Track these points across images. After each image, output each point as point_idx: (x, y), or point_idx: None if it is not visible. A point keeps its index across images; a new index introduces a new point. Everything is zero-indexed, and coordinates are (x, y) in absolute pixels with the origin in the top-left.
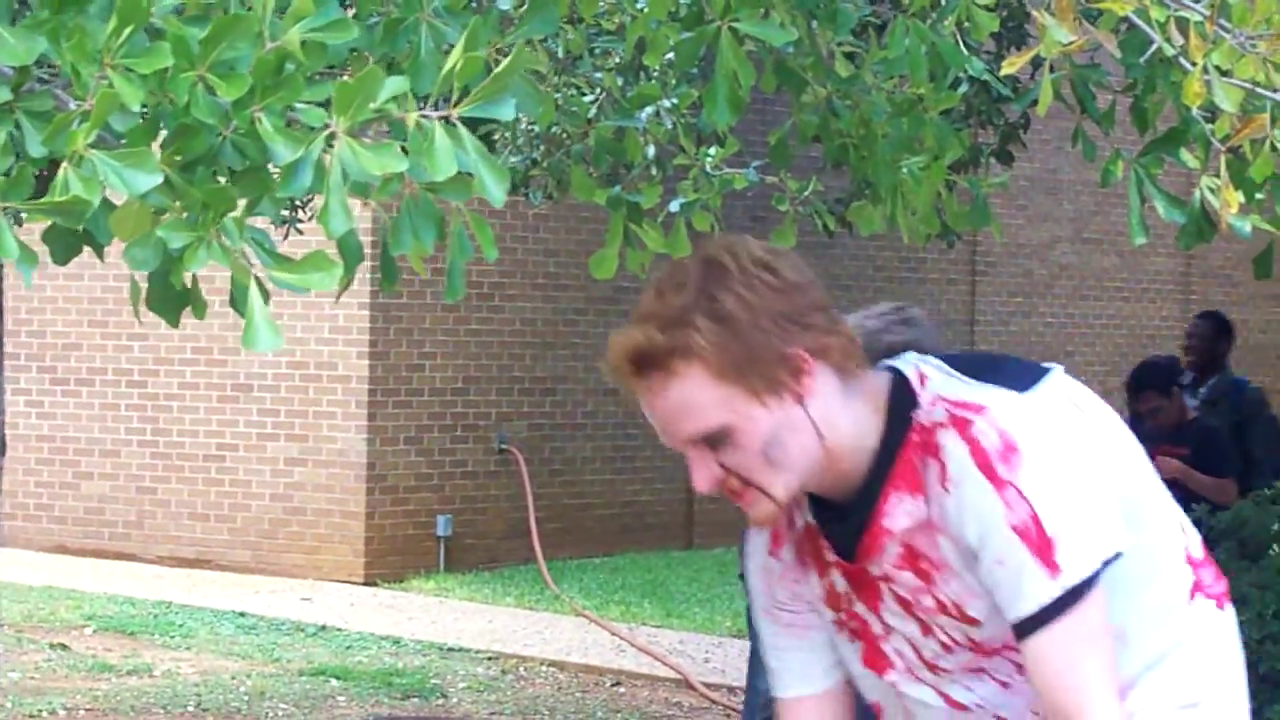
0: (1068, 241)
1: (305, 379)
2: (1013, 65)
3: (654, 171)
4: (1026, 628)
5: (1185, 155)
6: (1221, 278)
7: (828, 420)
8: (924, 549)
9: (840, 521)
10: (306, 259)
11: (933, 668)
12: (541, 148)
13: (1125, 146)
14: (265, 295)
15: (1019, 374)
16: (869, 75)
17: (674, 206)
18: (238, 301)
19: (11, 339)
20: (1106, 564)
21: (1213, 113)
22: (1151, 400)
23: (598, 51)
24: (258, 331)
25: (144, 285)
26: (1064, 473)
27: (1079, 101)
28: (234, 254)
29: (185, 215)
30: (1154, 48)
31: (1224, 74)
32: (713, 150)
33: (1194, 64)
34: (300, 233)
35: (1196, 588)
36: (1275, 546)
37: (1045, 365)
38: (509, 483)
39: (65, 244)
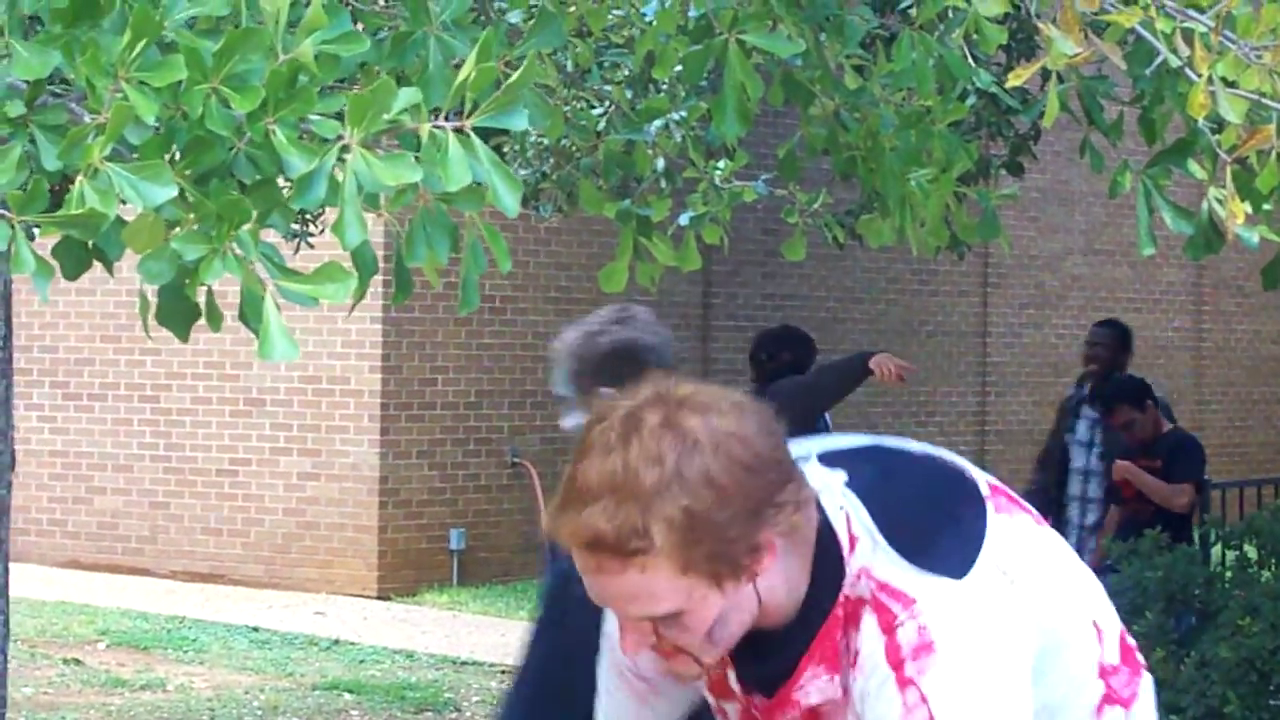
0: (1080, 253)
1: (318, 393)
2: (1020, 77)
3: (663, 184)
4: None
5: (1193, 166)
6: (1233, 288)
7: (770, 588)
8: (829, 718)
9: (755, 663)
10: (319, 270)
11: None
12: (551, 161)
13: (1133, 157)
14: (278, 307)
15: (955, 545)
16: (877, 87)
17: (684, 219)
18: (249, 313)
19: (24, 354)
20: None
21: (1219, 124)
22: (1126, 414)
23: (606, 64)
24: (273, 342)
25: (153, 300)
26: (975, 682)
27: (1086, 113)
28: (248, 266)
29: (199, 227)
30: (1160, 59)
31: (1230, 85)
32: (722, 163)
33: (1200, 75)
34: (311, 247)
35: (1105, 700)
36: None
37: (982, 518)
38: (522, 496)
39: (76, 258)
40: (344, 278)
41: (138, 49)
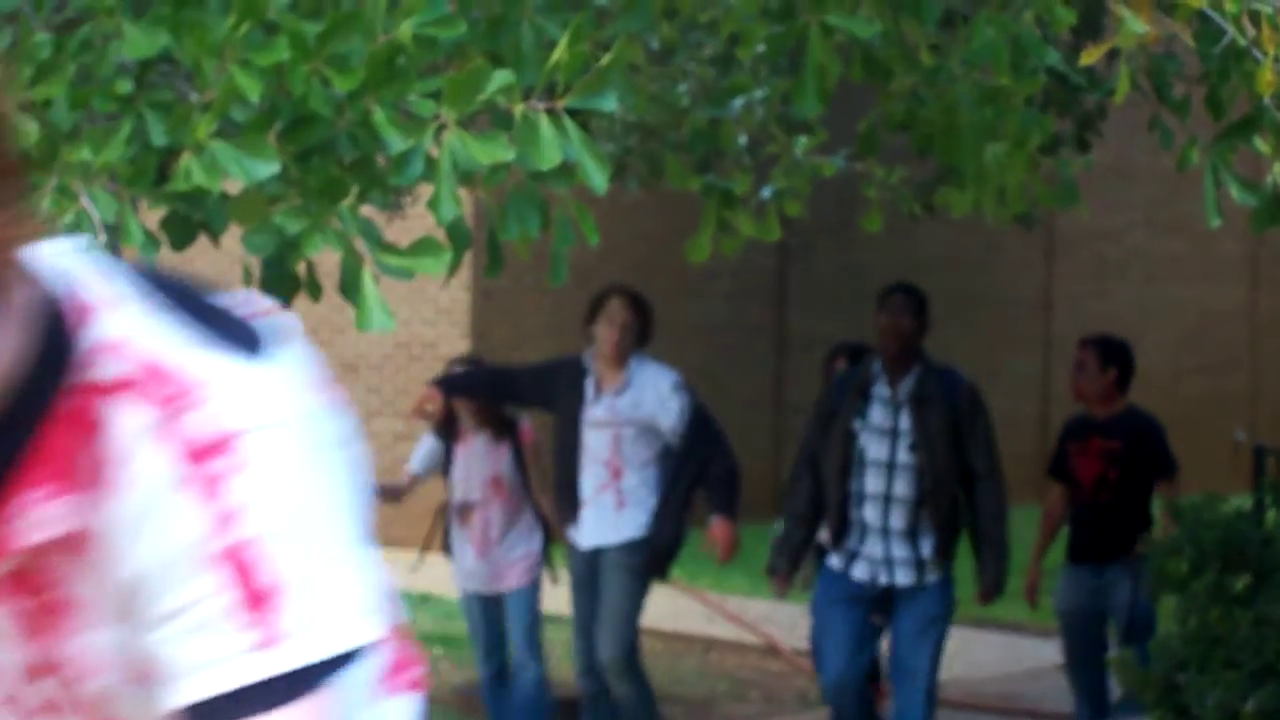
0: (1140, 226)
1: (409, 359)
2: (1092, 56)
3: (746, 159)
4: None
5: (1258, 142)
6: None
7: None
8: (52, 576)
9: None
10: (416, 244)
11: None
12: (636, 136)
13: (1199, 134)
14: (376, 280)
15: (258, 330)
16: (954, 65)
17: (765, 193)
18: (348, 286)
19: None
20: (350, 657)
21: None
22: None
23: (691, 44)
24: (371, 314)
25: (257, 271)
26: (308, 492)
27: (1156, 91)
28: (347, 240)
29: (301, 203)
30: (1227, 39)
31: None
32: (802, 139)
33: (1266, 54)
34: (405, 218)
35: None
36: None
37: (282, 320)
38: None
39: (183, 230)
40: (440, 252)
41: (243, 30)
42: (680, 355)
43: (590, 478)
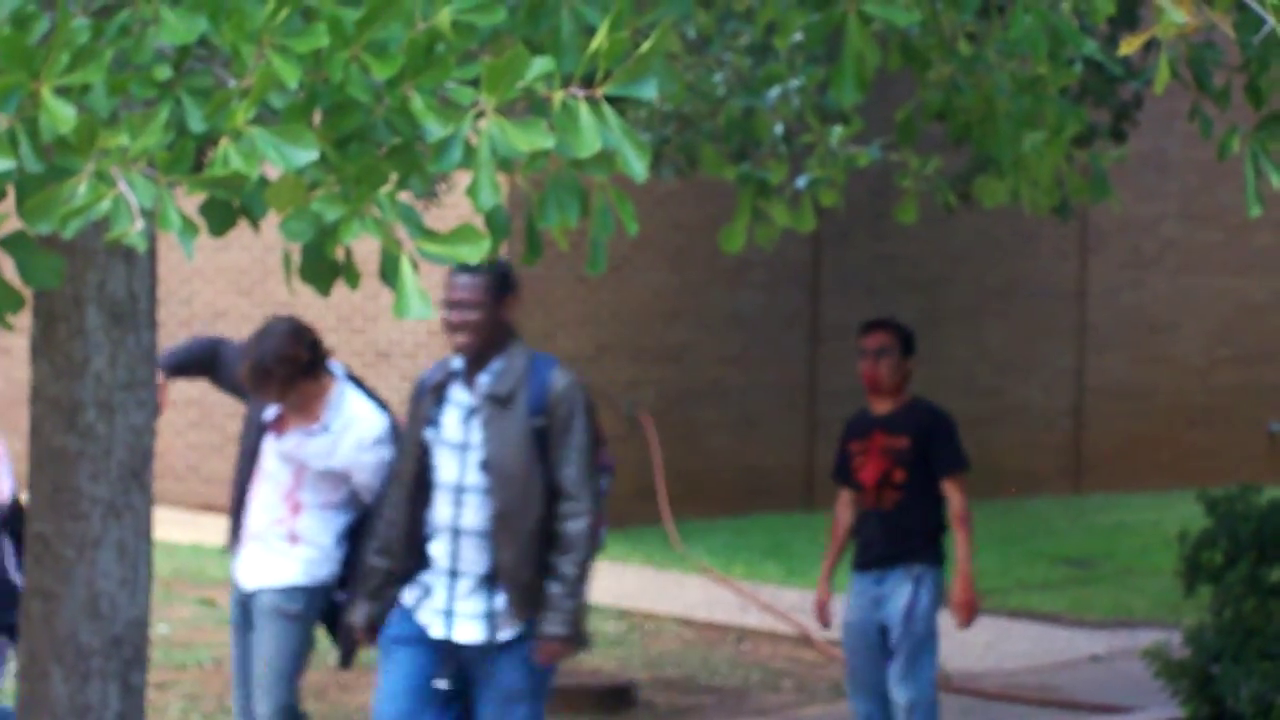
0: (1175, 217)
1: (442, 347)
2: (1131, 45)
3: (781, 149)
4: None
5: None
6: None
7: None
8: None
9: None
10: (456, 232)
11: None
12: (671, 125)
13: (1238, 123)
14: (415, 266)
15: None
16: (991, 54)
17: (800, 183)
18: (388, 273)
19: (161, 307)
20: None
21: None
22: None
23: (727, 33)
24: (409, 301)
25: (296, 257)
26: None
27: (1195, 80)
28: (386, 227)
29: (339, 189)
30: (1267, 28)
31: None
32: (838, 128)
33: None
34: (440, 205)
35: None
36: None
37: None
38: (638, 447)
39: (222, 216)
40: (479, 239)
41: (281, 16)
42: (715, 344)
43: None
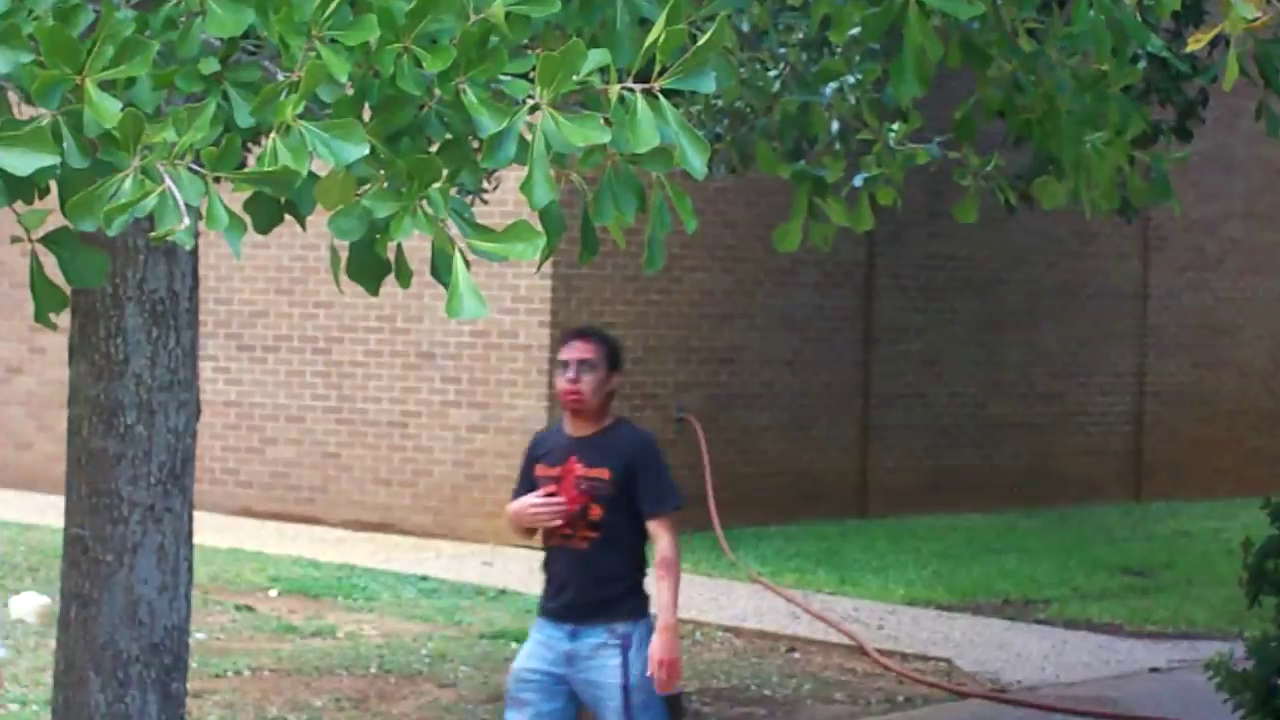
0: (1238, 217)
1: (487, 347)
2: (1199, 42)
3: (837, 146)
4: None
5: None
6: None
7: None
8: None
9: None
10: (510, 229)
11: None
12: (725, 122)
13: None
14: (467, 264)
15: None
16: (1053, 51)
17: (857, 181)
18: (440, 270)
19: (200, 306)
20: None
21: None
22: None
23: (782, 27)
24: (462, 300)
25: (343, 254)
26: None
27: (1263, 76)
28: (438, 224)
29: (390, 185)
30: None
31: None
32: (895, 125)
33: None
34: (485, 203)
35: None
36: None
37: None
38: (687, 451)
39: (267, 213)
40: (534, 237)
41: (331, 8)
42: (766, 346)
43: None
